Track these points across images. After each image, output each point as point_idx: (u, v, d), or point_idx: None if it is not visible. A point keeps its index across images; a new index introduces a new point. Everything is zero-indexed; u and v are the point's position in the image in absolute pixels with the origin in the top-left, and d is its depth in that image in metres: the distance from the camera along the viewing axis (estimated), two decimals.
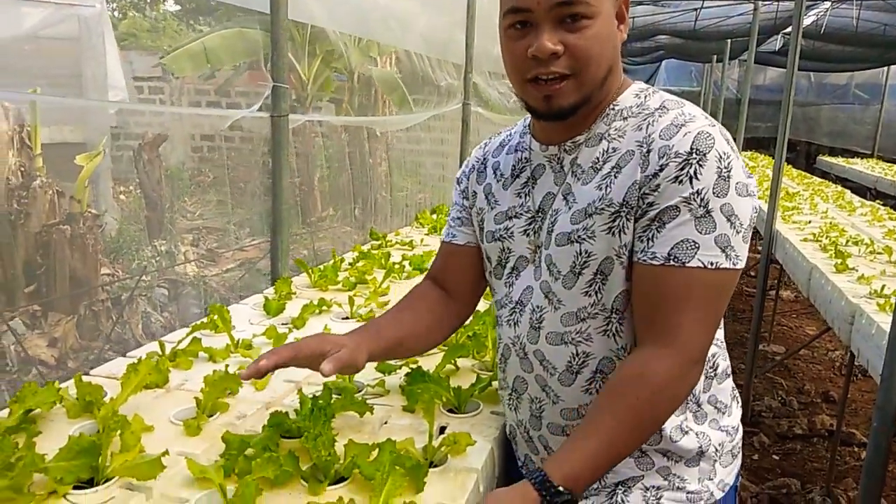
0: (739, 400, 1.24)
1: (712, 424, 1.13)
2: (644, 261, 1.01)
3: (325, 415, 1.19)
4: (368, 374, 1.50)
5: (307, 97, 5.15)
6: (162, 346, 1.56)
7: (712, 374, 1.13)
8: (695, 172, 0.97)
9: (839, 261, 3.03)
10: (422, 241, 3.17)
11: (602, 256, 1.05)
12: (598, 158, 1.07)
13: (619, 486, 1.12)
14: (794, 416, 4.00)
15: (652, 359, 1.00)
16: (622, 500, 1.11)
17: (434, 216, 3.73)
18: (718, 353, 1.14)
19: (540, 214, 1.15)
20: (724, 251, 0.98)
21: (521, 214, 1.18)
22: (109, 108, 3.54)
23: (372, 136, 5.10)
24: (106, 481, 1.08)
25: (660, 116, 1.04)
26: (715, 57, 12.61)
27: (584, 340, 1.09)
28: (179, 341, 1.60)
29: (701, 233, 0.97)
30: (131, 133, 4.52)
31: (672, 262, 0.98)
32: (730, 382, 1.19)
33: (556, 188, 1.13)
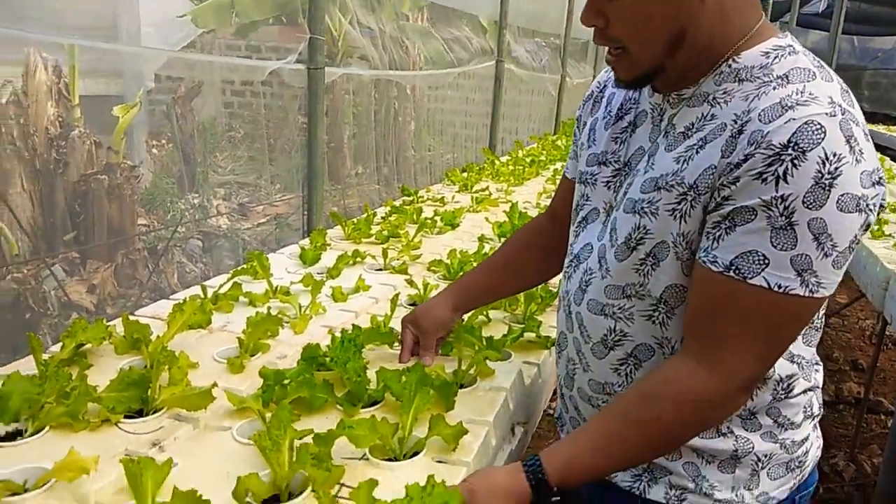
0: (818, 415, 1.08)
1: (765, 435, 0.99)
2: (704, 262, 0.87)
3: (354, 345, 1.24)
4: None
5: (338, 53, 5.13)
6: (204, 289, 1.61)
7: (782, 396, 0.98)
8: (785, 172, 0.79)
9: (876, 227, 2.98)
10: (453, 197, 3.18)
11: (658, 238, 0.93)
12: (692, 123, 0.92)
13: (646, 474, 1.03)
14: None
15: (691, 377, 0.89)
16: (644, 490, 1.03)
17: (465, 174, 3.73)
18: (798, 375, 0.98)
19: (626, 169, 1.02)
20: (800, 275, 0.81)
21: (610, 163, 1.05)
22: (144, 59, 3.56)
23: (401, 95, 5.08)
24: (155, 412, 1.13)
25: (774, 89, 0.84)
26: None
27: (625, 318, 0.99)
28: (221, 286, 1.65)
29: (775, 247, 0.81)
30: (164, 87, 4.56)
31: (732, 274, 0.83)
32: (806, 398, 1.02)
33: (648, 144, 0.99)
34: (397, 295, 1.61)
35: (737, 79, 0.89)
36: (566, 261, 1.14)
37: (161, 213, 4.10)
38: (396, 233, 2.33)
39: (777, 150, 0.79)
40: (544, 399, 1.53)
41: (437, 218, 2.58)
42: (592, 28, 0.92)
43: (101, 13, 3.94)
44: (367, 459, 1.02)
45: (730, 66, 0.90)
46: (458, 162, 4.76)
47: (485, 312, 1.60)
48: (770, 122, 0.81)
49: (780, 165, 0.79)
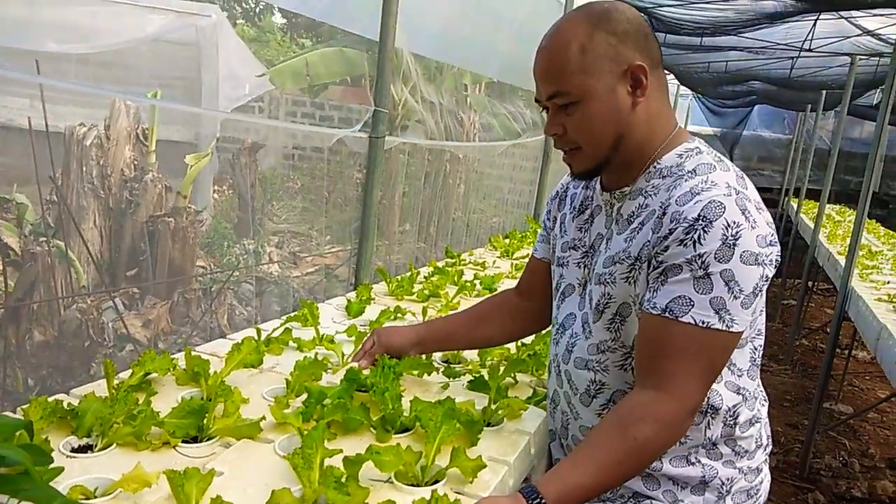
0: (769, 447, 1.30)
1: (726, 463, 1.21)
2: (646, 308, 1.11)
3: (393, 373, 1.36)
4: (434, 377, 1.65)
5: (397, 117, 5.41)
6: (258, 332, 1.76)
7: (732, 423, 1.20)
8: (699, 237, 1.05)
9: None
10: (493, 262, 3.31)
11: (621, 300, 1.19)
12: (633, 212, 1.20)
13: (631, 500, 1.22)
14: (854, 478, 3.91)
15: (655, 402, 1.09)
16: None
17: (506, 241, 3.87)
18: (741, 404, 1.20)
19: (591, 251, 1.30)
20: (717, 313, 1.06)
21: (579, 248, 1.33)
22: (219, 116, 3.85)
23: (453, 159, 5.30)
24: (208, 439, 1.26)
25: (685, 181, 1.12)
26: (809, 106, 12.29)
27: (602, 370, 1.23)
28: (273, 329, 1.80)
29: (698, 292, 1.06)
30: (230, 138, 4.88)
31: (668, 315, 1.08)
32: (757, 430, 1.25)
33: (605, 230, 1.27)
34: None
35: (661, 176, 1.18)
36: (553, 330, 1.38)
37: (218, 256, 4.33)
38: (437, 293, 2.46)
39: (691, 222, 1.07)
40: None
41: (477, 282, 2.70)
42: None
43: (183, 66, 4.29)
44: (392, 483, 1.13)
45: (655, 166, 1.19)
46: (503, 225, 4.91)
47: (512, 374, 1.70)
48: (685, 204, 1.09)
49: (695, 233, 1.06)
